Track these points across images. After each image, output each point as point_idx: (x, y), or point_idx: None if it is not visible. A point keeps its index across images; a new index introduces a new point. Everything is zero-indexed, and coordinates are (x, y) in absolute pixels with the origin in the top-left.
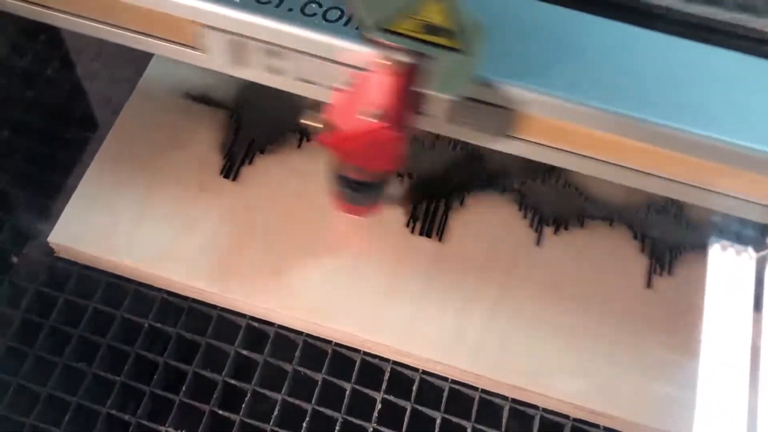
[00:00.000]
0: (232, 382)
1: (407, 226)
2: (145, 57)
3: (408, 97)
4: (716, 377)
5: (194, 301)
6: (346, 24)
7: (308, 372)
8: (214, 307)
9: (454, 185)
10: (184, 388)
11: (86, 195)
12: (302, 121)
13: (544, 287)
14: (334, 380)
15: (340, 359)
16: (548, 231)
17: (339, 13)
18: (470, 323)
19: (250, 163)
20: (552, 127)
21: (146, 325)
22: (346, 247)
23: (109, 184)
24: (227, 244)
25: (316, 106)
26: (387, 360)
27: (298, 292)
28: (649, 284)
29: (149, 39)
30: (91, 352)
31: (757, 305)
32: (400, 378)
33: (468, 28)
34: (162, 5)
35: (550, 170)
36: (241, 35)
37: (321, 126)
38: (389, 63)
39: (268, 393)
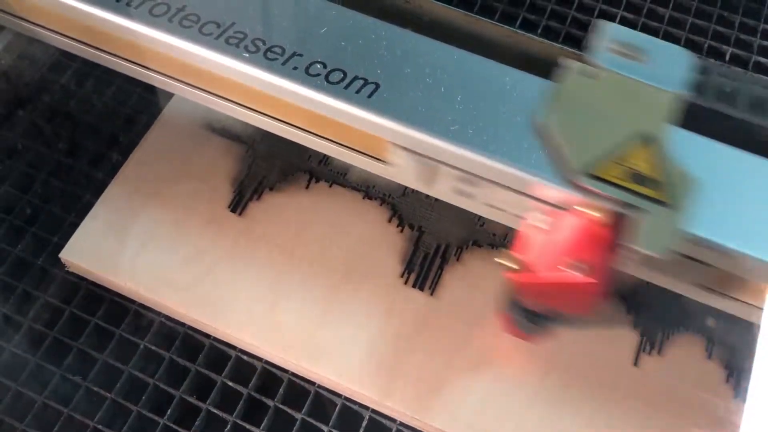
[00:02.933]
0: (216, 411)
1: (401, 276)
2: None
3: (614, 250)
4: None
5: (189, 327)
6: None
7: (289, 410)
8: (207, 336)
9: (453, 241)
10: (169, 412)
11: (100, 216)
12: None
13: (531, 352)
14: (313, 422)
15: (321, 401)
16: None
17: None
18: (452, 383)
19: (258, 199)
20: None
21: (142, 346)
22: (339, 291)
23: (123, 208)
24: (225, 277)
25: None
26: (366, 407)
27: (286, 331)
28: (636, 362)
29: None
30: (88, 367)
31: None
32: (377, 428)
33: (676, 179)
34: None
35: None
36: (432, 158)
37: (517, 266)
38: (597, 214)
39: (248, 426)
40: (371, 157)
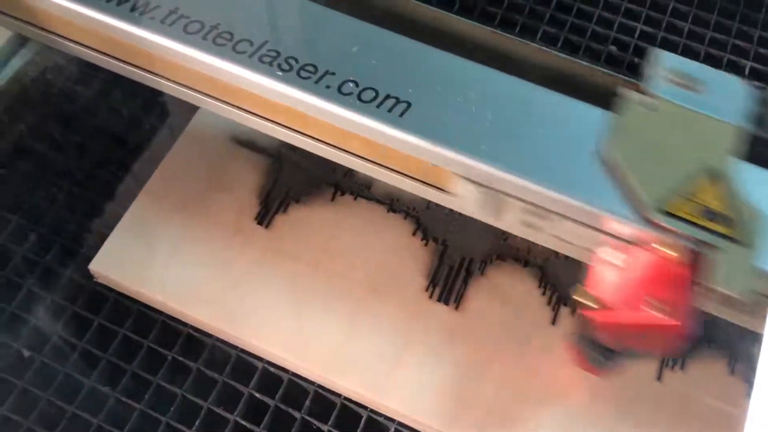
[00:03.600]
0: (243, 422)
1: (426, 290)
2: None
3: (692, 289)
4: None
5: (217, 339)
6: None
7: (315, 422)
8: (234, 347)
9: (477, 254)
10: (197, 423)
11: (128, 228)
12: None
13: (555, 366)
14: None
15: (347, 413)
16: (565, 311)
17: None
18: (477, 396)
19: (285, 211)
20: None
21: (170, 357)
22: (365, 304)
23: (151, 220)
24: (252, 289)
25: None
26: (392, 420)
27: (312, 344)
28: (659, 377)
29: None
30: (116, 377)
31: None
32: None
33: (746, 215)
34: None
35: None
36: (497, 190)
37: (596, 305)
38: (674, 252)
39: None
40: (433, 186)
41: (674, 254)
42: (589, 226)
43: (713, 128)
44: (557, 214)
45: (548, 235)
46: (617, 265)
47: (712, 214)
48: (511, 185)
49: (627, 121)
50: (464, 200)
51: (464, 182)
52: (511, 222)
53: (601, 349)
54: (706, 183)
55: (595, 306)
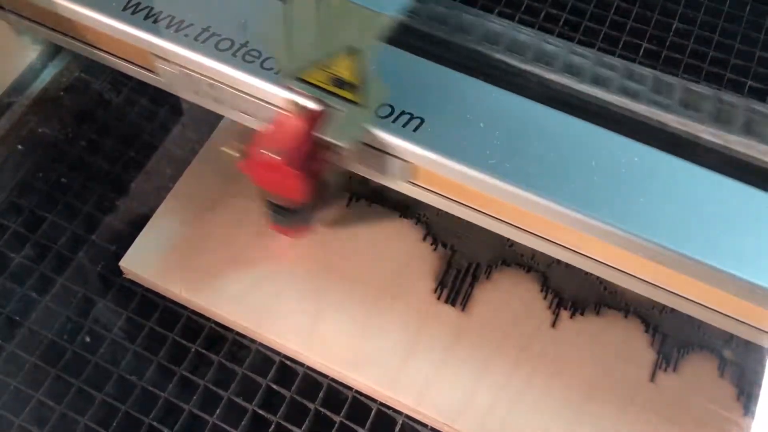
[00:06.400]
0: (260, 411)
1: (435, 292)
2: None
3: (310, 140)
4: None
5: (237, 334)
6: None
7: (328, 413)
8: (254, 341)
9: (483, 260)
10: (217, 412)
11: (156, 228)
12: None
13: (554, 367)
14: (350, 424)
15: (358, 406)
16: (565, 314)
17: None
18: (481, 392)
19: None
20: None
21: (193, 349)
22: (377, 304)
23: (177, 221)
24: (271, 288)
25: None
26: (400, 413)
27: (327, 340)
28: (653, 378)
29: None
30: (142, 368)
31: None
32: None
33: (372, 86)
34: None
35: None
36: (187, 69)
37: (239, 153)
38: (298, 108)
39: (290, 427)
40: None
41: (299, 112)
42: (252, 96)
43: (362, 16)
44: (228, 86)
45: (231, 109)
46: (266, 124)
47: (340, 82)
48: (193, 63)
49: (293, 7)
50: (167, 79)
51: (162, 63)
52: (204, 99)
53: (273, 207)
54: (344, 58)
55: (238, 155)
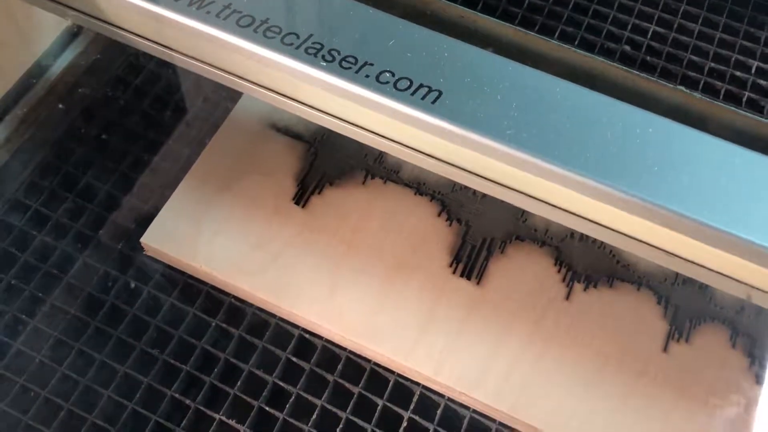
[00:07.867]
0: (280, 383)
1: (450, 266)
2: None
3: None
4: None
5: (257, 308)
6: None
7: (347, 384)
8: (273, 315)
9: (498, 235)
10: (238, 384)
11: (176, 206)
12: None
13: (568, 339)
14: (369, 395)
15: (376, 377)
16: (578, 287)
17: None
18: (497, 363)
19: (320, 193)
20: None
21: (213, 323)
22: (393, 278)
23: (196, 199)
24: (290, 263)
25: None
26: (417, 384)
27: (345, 313)
28: (665, 348)
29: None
30: (164, 342)
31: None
32: (427, 402)
33: None
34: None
35: None
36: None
37: None
38: None
39: (310, 398)
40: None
41: None
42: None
43: None
44: None
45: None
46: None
47: None
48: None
49: None
50: None
51: None
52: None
53: None
54: None
55: None
